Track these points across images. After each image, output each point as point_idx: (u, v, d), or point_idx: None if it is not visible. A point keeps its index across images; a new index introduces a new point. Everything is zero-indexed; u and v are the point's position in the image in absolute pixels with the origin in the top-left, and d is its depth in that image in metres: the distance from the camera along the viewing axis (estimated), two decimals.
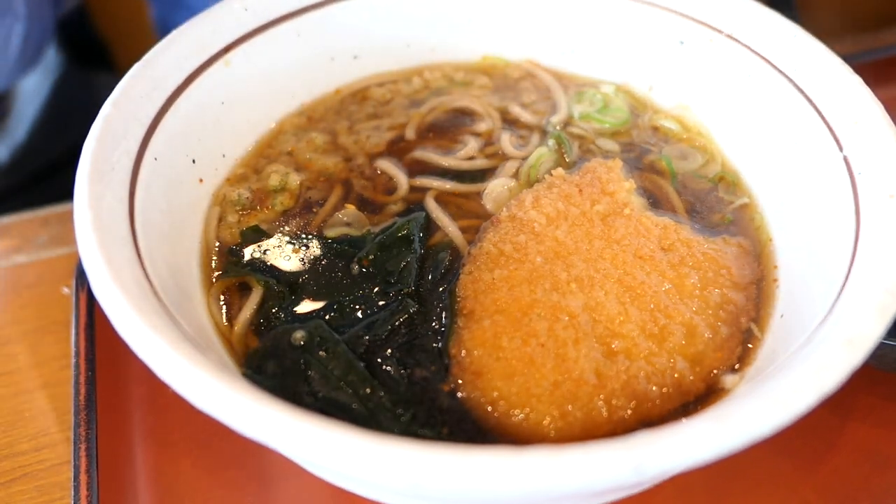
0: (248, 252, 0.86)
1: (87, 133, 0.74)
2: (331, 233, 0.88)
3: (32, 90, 1.90)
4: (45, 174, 1.88)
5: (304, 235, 0.87)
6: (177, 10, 1.67)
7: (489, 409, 0.70)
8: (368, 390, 0.71)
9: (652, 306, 0.76)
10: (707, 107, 1.01)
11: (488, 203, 0.92)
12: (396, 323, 0.77)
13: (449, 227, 0.87)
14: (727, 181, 0.96)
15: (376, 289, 0.81)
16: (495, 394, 0.70)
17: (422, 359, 0.75)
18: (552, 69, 1.11)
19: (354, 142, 1.00)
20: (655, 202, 0.93)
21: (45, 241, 1.16)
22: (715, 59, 0.97)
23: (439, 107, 1.05)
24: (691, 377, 0.73)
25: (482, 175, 0.96)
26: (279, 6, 0.98)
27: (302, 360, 0.74)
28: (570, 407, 0.69)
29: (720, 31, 0.96)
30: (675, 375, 0.73)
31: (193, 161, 0.88)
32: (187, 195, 0.87)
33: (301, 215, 0.91)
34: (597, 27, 1.06)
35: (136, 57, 0.83)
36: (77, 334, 0.94)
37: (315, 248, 0.85)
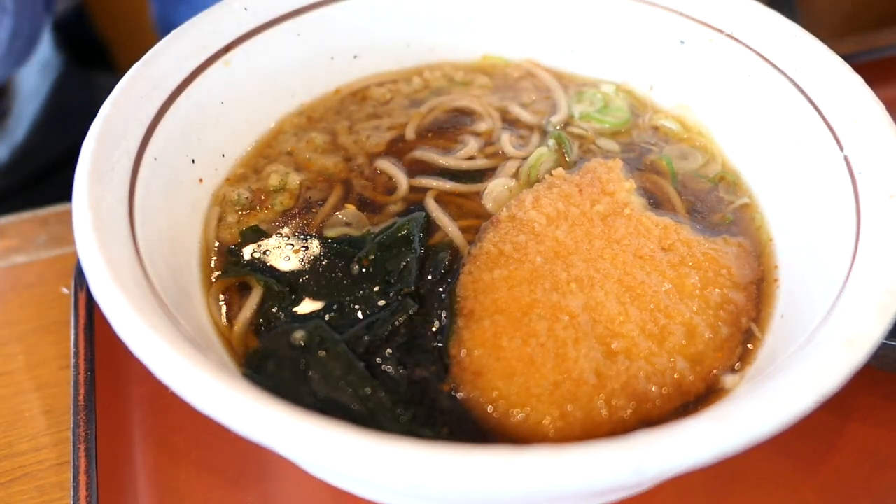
0: (248, 252, 0.86)
1: (86, 133, 0.74)
2: (331, 233, 0.88)
3: (32, 90, 1.91)
4: (44, 174, 1.88)
5: (304, 235, 0.87)
6: (177, 6, 1.67)
7: (489, 409, 0.70)
8: (368, 390, 0.71)
9: (652, 306, 0.76)
10: (707, 107, 1.01)
11: (488, 203, 0.92)
12: (396, 323, 0.77)
13: (449, 226, 0.87)
14: (727, 181, 0.96)
15: (376, 289, 0.81)
16: (495, 394, 0.70)
17: (422, 359, 0.75)
18: (552, 69, 1.11)
19: (354, 142, 1.00)
20: (656, 202, 0.93)
21: (45, 241, 1.16)
22: (715, 59, 0.97)
23: (439, 106, 1.05)
24: (691, 377, 0.73)
25: (482, 175, 0.96)
26: (279, 6, 0.98)
27: (302, 360, 0.74)
28: (569, 407, 0.69)
29: (720, 31, 0.96)
30: (676, 375, 0.73)
31: (193, 161, 0.88)
32: (187, 195, 0.87)
33: (301, 215, 0.91)
34: (597, 27, 1.06)
35: (136, 57, 0.83)
36: (76, 334, 0.94)
37: (315, 248, 0.85)
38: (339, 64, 1.07)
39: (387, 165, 0.96)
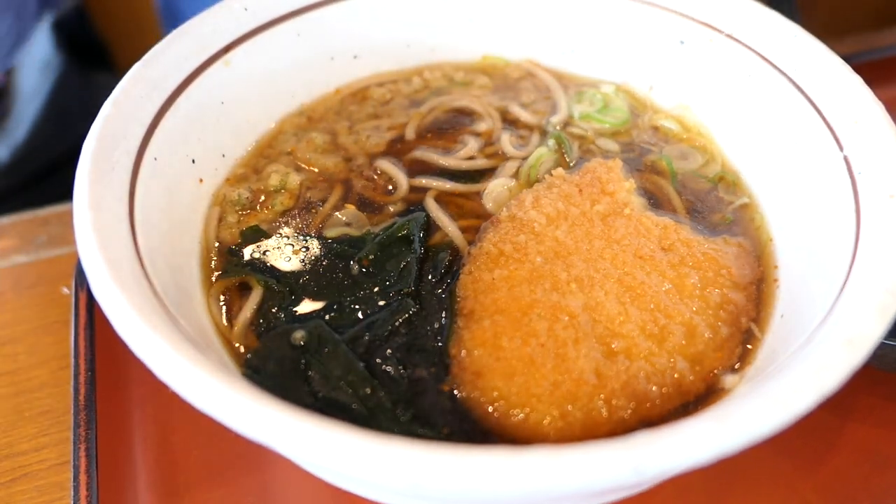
0: (248, 252, 0.86)
1: (86, 133, 0.74)
2: (331, 233, 0.88)
3: (33, 90, 1.91)
4: (45, 174, 1.88)
5: (304, 235, 0.87)
6: None
7: (489, 408, 0.70)
8: (368, 390, 0.71)
9: (652, 306, 0.76)
10: (707, 107, 1.01)
11: (488, 203, 0.92)
12: (396, 323, 0.77)
13: (449, 226, 0.87)
14: (727, 181, 0.96)
15: (376, 289, 0.81)
16: (495, 394, 0.70)
17: (422, 359, 0.75)
18: (552, 69, 1.11)
19: (354, 142, 1.00)
20: (655, 202, 0.93)
21: (45, 241, 1.16)
22: (715, 59, 0.97)
23: (439, 107, 1.05)
24: (691, 377, 0.73)
25: (482, 175, 0.96)
26: (279, 6, 0.98)
27: (302, 360, 0.74)
28: (570, 407, 0.69)
29: (720, 31, 0.96)
30: (675, 375, 0.73)
31: (193, 161, 0.88)
32: (187, 195, 0.87)
33: (301, 215, 0.91)
34: (597, 27, 1.06)
35: (136, 57, 0.83)
36: (77, 334, 0.94)
37: (315, 248, 0.85)
38: (339, 64, 1.07)
39: (387, 166, 0.96)
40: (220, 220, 0.89)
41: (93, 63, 2.08)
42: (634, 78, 1.08)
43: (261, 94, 0.99)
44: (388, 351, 0.75)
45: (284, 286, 0.81)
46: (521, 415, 0.69)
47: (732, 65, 0.95)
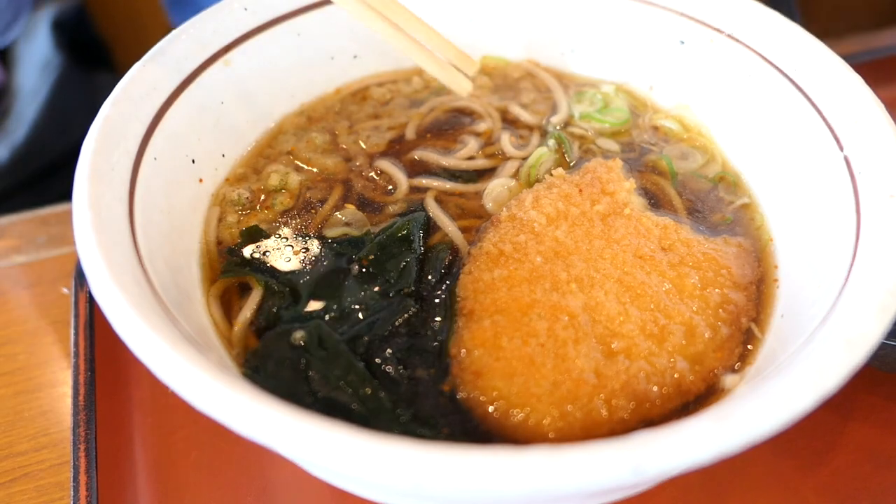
0: (248, 252, 0.86)
1: (86, 133, 0.74)
2: (331, 233, 0.88)
3: (33, 90, 1.90)
4: (45, 174, 1.88)
5: (304, 236, 0.87)
6: None
7: (489, 409, 0.70)
8: (368, 390, 0.71)
9: (652, 306, 0.76)
10: (707, 107, 1.01)
11: (488, 203, 0.92)
12: (396, 323, 0.77)
13: (449, 226, 0.87)
14: (727, 181, 0.96)
15: (376, 289, 0.81)
16: (495, 394, 0.70)
17: (422, 359, 0.75)
18: (552, 69, 1.12)
19: (354, 142, 1.00)
20: (656, 202, 0.93)
21: (45, 241, 1.16)
22: (715, 59, 0.97)
23: (439, 107, 1.05)
24: (691, 377, 0.73)
25: (482, 175, 0.96)
26: (279, 6, 0.98)
27: (302, 360, 0.74)
28: (569, 407, 0.69)
29: (720, 31, 0.96)
30: (675, 375, 0.73)
31: (193, 161, 0.88)
32: (187, 195, 0.87)
33: (301, 215, 0.91)
34: (597, 27, 1.06)
35: (136, 57, 0.83)
36: (76, 334, 0.94)
37: (315, 249, 0.85)
38: (339, 64, 1.07)
39: (387, 165, 0.96)
40: (220, 220, 0.89)
41: (93, 63, 2.08)
42: (634, 78, 1.08)
43: (261, 94, 0.99)
44: (389, 351, 0.75)
45: (284, 286, 0.81)
46: (521, 415, 0.69)
47: (732, 65, 0.95)
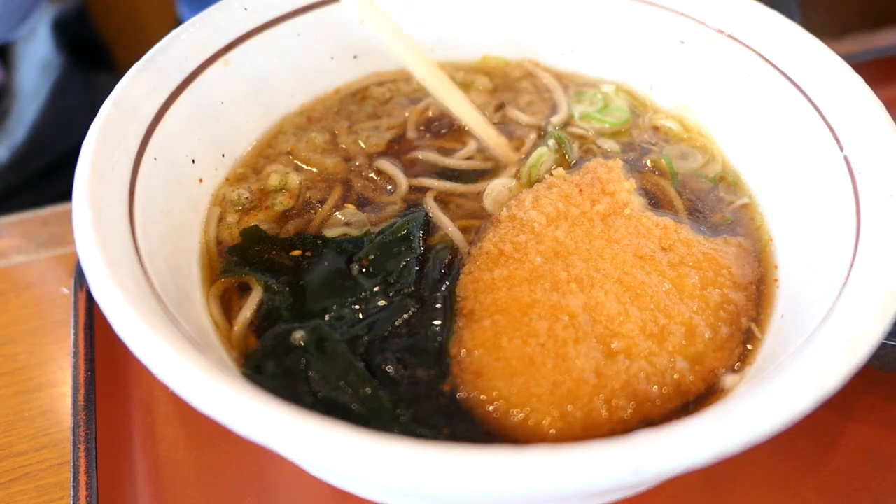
0: (248, 252, 0.85)
1: (87, 133, 0.74)
2: (330, 233, 0.88)
3: (33, 90, 1.91)
4: (45, 174, 1.88)
5: (303, 235, 0.87)
6: None
7: (489, 408, 0.70)
8: (368, 390, 0.71)
9: (652, 306, 0.76)
10: (707, 107, 1.01)
11: (488, 203, 0.92)
12: (396, 323, 0.77)
13: (449, 226, 0.87)
14: (727, 181, 0.96)
15: (376, 289, 0.81)
16: (495, 393, 0.70)
17: (422, 359, 0.75)
18: (552, 69, 1.11)
19: (354, 142, 1.00)
20: (656, 202, 0.93)
21: (45, 241, 1.16)
22: (715, 59, 0.97)
23: (435, 103, 1.04)
24: (691, 377, 0.73)
25: (482, 175, 0.96)
26: (279, 6, 0.98)
27: (302, 360, 0.74)
28: (570, 407, 0.69)
29: (720, 31, 0.96)
30: (676, 375, 0.73)
31: (193, 161, 0.88)
32: (187, 195, 0.87)
33: (301, 215, 0.91)
34: (597, 27, 1.06)
35: (136, 57, 0.83)
36: (76, 334, 0.94)
37: (315, 248, 0.85)
38: (339, 64, 1.07)
39: (386, 165, 0.96)
40: (220, 220, 0.89)
41: (93, 63, 2.08)
42: (634, 78, 1.08)
43: (261, 94, 0.99)
44: (389, 351, 0.75)
45: (284, 286, 0.81)
46: (522, 414, 0.69)
47: (732, 65, 0.95)
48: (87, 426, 0.85)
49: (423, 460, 0.50)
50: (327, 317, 0.78)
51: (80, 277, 1.01)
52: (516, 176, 0.95)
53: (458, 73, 1.10)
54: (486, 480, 0.49)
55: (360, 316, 0.78)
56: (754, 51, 0.92)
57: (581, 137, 1.01)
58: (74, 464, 0.82)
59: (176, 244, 0.81)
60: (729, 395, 0.73)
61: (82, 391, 0.88)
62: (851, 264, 0.69)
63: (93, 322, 0.95)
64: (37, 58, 1.95)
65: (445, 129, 1.03)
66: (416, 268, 0.82)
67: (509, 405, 0.70)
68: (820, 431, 0.87)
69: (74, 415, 0.86)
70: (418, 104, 1.05)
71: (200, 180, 0.90)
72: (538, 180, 0.93)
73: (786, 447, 0.85)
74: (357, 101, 1.07)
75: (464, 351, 0.74)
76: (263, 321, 0.79)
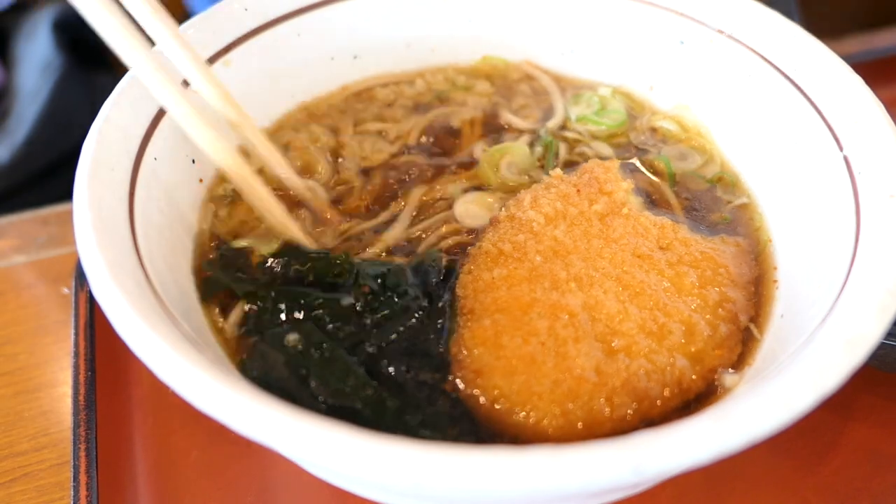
0: (231, 265, 0.83)
1: (86, 133, 0.74)
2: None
3: (33, 91, 1.91)
4: (45, 174, 1.88)
5: (290, 252, 0.84)
6: None
7: (490, 407, 0.70)
8: (368, 392, 0.71)
9: (651, 304, 0.76)
10: (707, 107, 1.01)
11: (463, 220, 0.90)
12: (397, 326, 0.76)
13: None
14: (726, 181, 0.96)
15: (373, 298, 0.79)
16: (496, 392, 0.70)
17: (421, 358, 0.75)
18: (552, 69, 1.11)
19: (358, 145, 1.00)
20: (653, 202, 0.93)
21: (45, 241, 1.16)
22: (715, 60, 0.97)
23: (435, 120, 1.04)
24: (692, 375, 0.73)
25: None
26: (279, 6, 0.98)
27: (299, 364, 0.73)
28: (571, 405, 0.69)
29: (720, 31, 0.96)
30: (676, 373, 0.73)
31: (193, 161, 0.88)
32: (187, 195, 0.87)
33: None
34: (597, 27, 1.06)
35: None
36: (77, 334, 0.94)
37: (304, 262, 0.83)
38: (339, 64, 1.07)
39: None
40: (215, 215, 0.89)
41: (93, 64, 2.08)
42: (634, 78, 1.08)
43: (261, 94, 0.99)
44: (388, 351, 0.75)
45: (270, 301, 0.79)
46: (523, 413, 0.69)
47: (732, 65, 0.95)
48: (87, 426, 0.85)
49: (423, 460, 0.50)
50: (322, 320, 0.77)
51: (80, 277, 1.01)
52: (475, 173, 0.95)
53: (460, 77, 1.10)
54: (486, 480, 0.49)
55: (359, 318, 0.78)
56: (754, 51, 0.92)
57: (577, 140, 1.01)
58: (75, 464, 0.82)
59: (176, 244, 0.81)
60: (730, 392, 0.73)
61: (82, 391, 0.88)
62: (851, 264, 0.69)
63: (93, 322, 0.95)
64: (37, 58, 1.95)
65: (448, 141, 1.02)
66: (413, 273, 0.81)
67: (510, 404, 0.70)
68: (819, 431, 0.87)
69: (75, 415, 0.86)
70: (425, 113, 1.04)
71: (200, 180, 0.90)
72: (503, 177, 0.93)
73: (785, 447, 0.86)
74: (363, 100, 1.07)
75: (464, 350, 0.74)
76: (254, 327, 0.77)
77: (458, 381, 0.73)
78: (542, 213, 0.84)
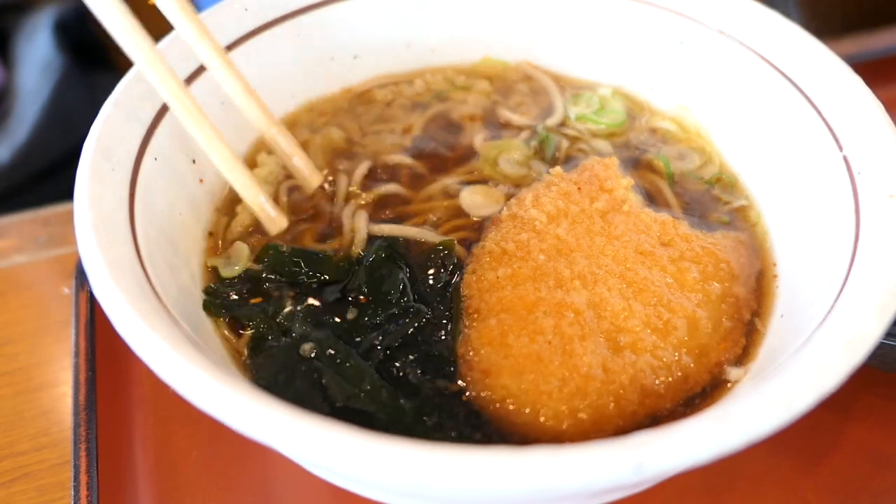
0: (232, 291, 0.82)
1: (87, 133, 0.74)
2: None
3: (34, 91, 1.91)
4: (45, 174, 1.88)
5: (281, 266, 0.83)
6: None
7: (498, 407, 0.70)
8: (386, 397, 0.70)
9: (655, 300, 0.77)
10: (707, 107, 1.01)
11: (469, 210, 0.90)
12: (407, 330, 0.76)
13: (423, 233, 0.87)
14: (725, 181, 0.96)
15: (379, 312, 0.79)
16: (504, 392, 0.70)
17: (429, 361, 0.75)
18: (552, 70, 1.12)
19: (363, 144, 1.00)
20: (653, 201, 0.93)
21: (46, 241, 1.16)
22: (715, 60, 0.97)
23: (435, 117, 1.04)
24: (697, 370, 0.74)
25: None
26: (279, 6, 0.98)
27: (313, 371, 0.73)
28: (578, 402, 0.69)
29: (720, 31, 0.96)
30: (681, 368, 0.73)
31: (194, 161, 0.88)
32: (188, 195, 0.87)
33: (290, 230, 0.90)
34: (597, 27, 1.06)
35: None
36: (77, 334, 0.94)
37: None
38: (339, 64, 1.07)
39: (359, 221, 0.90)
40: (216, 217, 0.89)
41: (94, 64, 2.08)
42: (634, 78, 1.08)
43: (261, 94, 0.98)
44: (399, 355, 0.75)
45: (272, 319, 0.79)
46: (531, 412, 0.69)
47: (732, 65, 0.95)
48: (87, 426, 0.85)
49: (423, 460, 0.50)
50: (336, 328, 0.77)
51: (80, 277, 1.01)
52: (476, 169, 0.96)
53: (460, 77, 1.11)
54: (487, 480, 0.49)
55: (369, 325, 0.78)
56: (754, 51, 0.92)
57: (575, 138, 1.02)
58: (75, 463, 0.82)
59: (176, 244, 0.81)
60: (735, 386, 0.73)
61: (83, 391, 0.88)
62: (851, 264, 0.69)
63: (93, 322, 0.95)
64: (38, 58, 1.95)
65: (449, 136, 1.02)
66: (409, 280, 0.81)
67: (518, 403, 0.70)
68: (819, 431, 0.87)
69: (75, 414, 0.86)
70: (427, 110, 1.04)
71: (201, 180, 0.90)
72: (504, 172, 0.94)
73: (785, 446, 0.86)
74: (364, 101, 1.07)
75: (471, 350, 0.74)
76: (263, 339, 0.78)
77: (465, 381, 0.73)
78: (544, 211, 0.84)
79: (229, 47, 0.93)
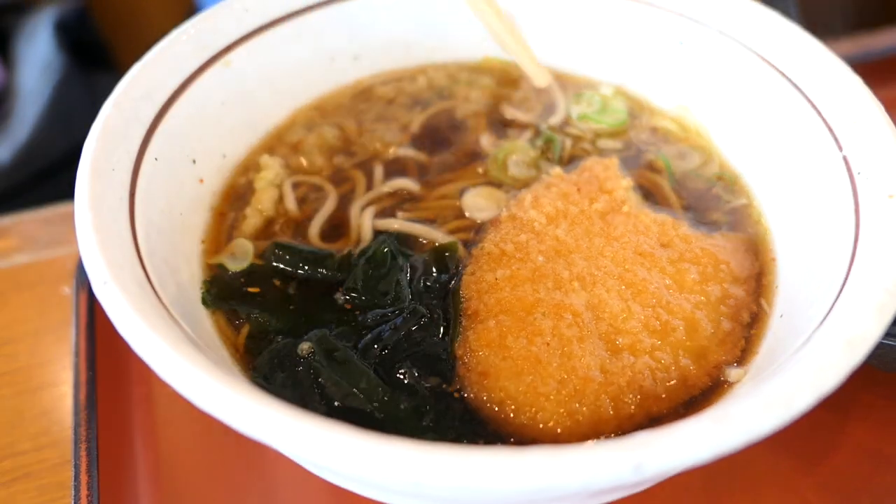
0: (230, 286, 0.83)
1: (87, 133, 0.74)
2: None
3: (34, 91, 1.91)
4: (46, 174, 1.88)
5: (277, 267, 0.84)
6: None
7: (496, 409, 0.70)
8: (383, 396, 0.70)
9: (654, 302, 0.77)
10: (707, 107, 1.01)
11: (468, 212, 0.91)
12: (405, 330, 0.76)
13: (429, 232, 0.87)
14: (725, 181, 0.96)
15: (376, 310, 0.79)
16: (502, 393, 0.70)
17: (427, 361, 0.75)
18: (552, 70, 1.11)
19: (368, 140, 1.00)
20: (653, 201, 0.93)
21: (46, 241, 1.16)
22: (715, 60, 0.97)
23: (434, 115, 1.04)
24: (696, 371, 0.74)
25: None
26: (279, 6, 0.98)
27: (311, 370, 0.73)
28: (577, 405, 0.69)
29: (720, 31, 0.96)
30: (680, 370, 0.73)
31: (194, 161, 0.88)
32: (188, 195, 0.87)
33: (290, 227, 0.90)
34: (597, 27, 1.06)
35: (137, 58, 0.83)
36: (77, 334, 0.94)
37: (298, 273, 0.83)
38: (340, 65, 1.07)
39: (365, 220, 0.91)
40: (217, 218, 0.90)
41: (94, 64, 2.08)
42: (634, 78, 1.08)
43: (261, 94, 0.99)
44: (397, 356, 0.74)
45: (269, 317, 0.79)
46: (529, 414, 0.69)
47: (732, 65, 0.95)
48: (88, 425, 0.85)
49: (423, 460, 0.50)
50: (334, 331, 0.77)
51: (80, 277, 1.01)
52: (485, 171, 0.96)
53: (462, 73, 1.11)
54: (486, 480, 0.49)
55: (368, 326, 0.77)
56: (754, 51, 0.92)
57: (577, 138, 1.02)
58: (76, 463, 0.82)
59: (176, 244, 0.81)
60: (734, 388, 0.73)
61: (83, 391, 0.88)
62: (850, 264, 0.69)
63: (94, 322, 0.95)
64: (38, 59, 1.95)
65: (453, 134, 1.02)
66: (408, 280, 0.81)
67: (516, 405, 0.70)
68: (819, 430, 0.87)
69: (75, 414, 0.86)
70: (427, 108, 1.04)
71: (201, 181, 0.90)
72: (512, 176, 0.93)
73: (785, 446, 0.86)
74: (365, 99, 1.07)
75: (469, 352, 0.74)
76: (261, 338, 0.78)
77: (463, 382, 0.73)
78: (544, 212, 0.84)
79: (229, 47, 0.93)
